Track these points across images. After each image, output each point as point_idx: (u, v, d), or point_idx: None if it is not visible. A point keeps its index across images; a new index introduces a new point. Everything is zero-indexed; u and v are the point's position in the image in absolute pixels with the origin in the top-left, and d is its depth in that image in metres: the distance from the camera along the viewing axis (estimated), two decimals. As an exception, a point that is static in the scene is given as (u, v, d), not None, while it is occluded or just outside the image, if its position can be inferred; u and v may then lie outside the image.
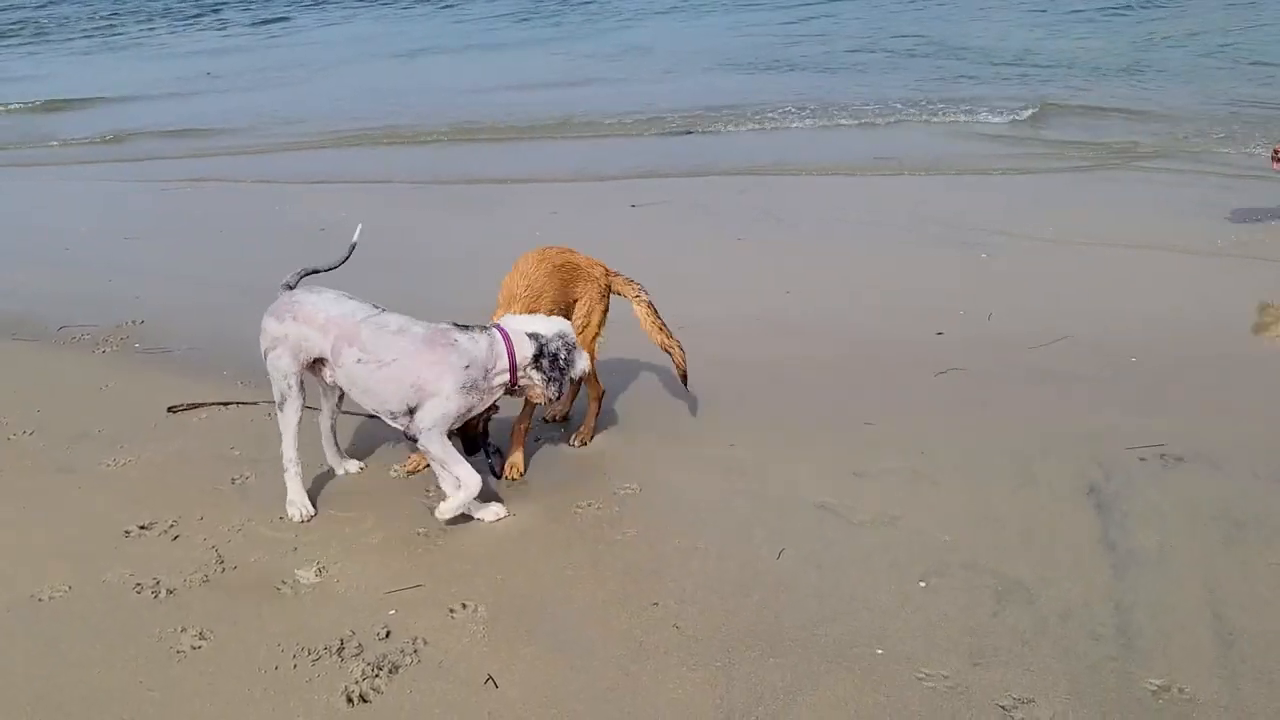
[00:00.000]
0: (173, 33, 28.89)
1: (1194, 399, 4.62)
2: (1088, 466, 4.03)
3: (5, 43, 29.75)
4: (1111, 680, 2.90)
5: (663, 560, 3.58)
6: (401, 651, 3.13)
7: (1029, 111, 11.71)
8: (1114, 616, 3.16)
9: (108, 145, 14.03)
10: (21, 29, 32.45)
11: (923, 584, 3.36)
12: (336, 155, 12.25)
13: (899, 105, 12.57)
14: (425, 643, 3.17)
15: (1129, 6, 18.65)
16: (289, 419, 3.95)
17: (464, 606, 3.34)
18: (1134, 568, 3.39)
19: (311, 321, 3.85)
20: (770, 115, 12.36)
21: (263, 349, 3.94)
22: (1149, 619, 3.14)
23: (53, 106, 17.04)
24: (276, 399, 3.96)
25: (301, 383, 3.95)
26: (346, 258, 4.20)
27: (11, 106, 17.33)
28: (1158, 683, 2.88)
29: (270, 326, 3.91)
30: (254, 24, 29.56)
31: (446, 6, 29.44)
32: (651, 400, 4.90)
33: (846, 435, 4.47)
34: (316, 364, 3.95)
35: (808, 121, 12.15)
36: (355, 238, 4.21)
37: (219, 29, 29.04)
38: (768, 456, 4.30)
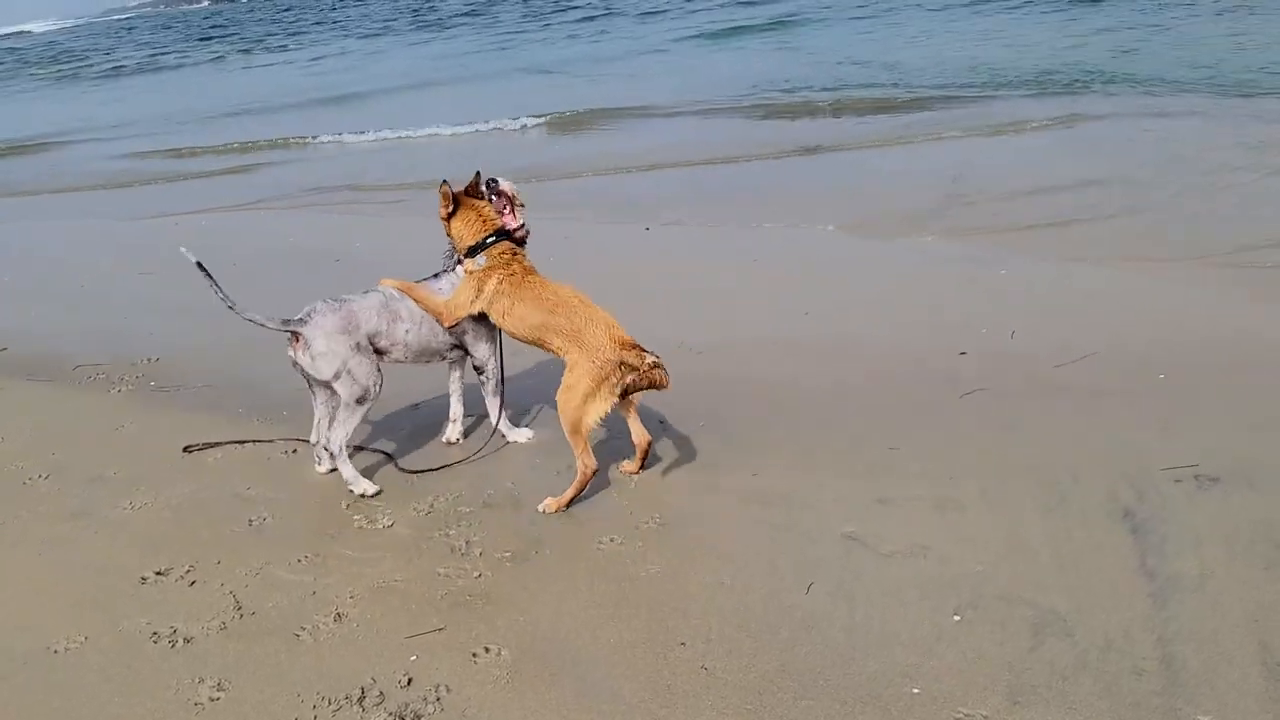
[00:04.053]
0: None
1: (1227, 416, 4.51)
2: (1120, 489, 3.93)
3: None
4: (1157, 717, 2.79)
5: (688, 597, 3.50)
6: (424, 700, 3.05)
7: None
8: (1156, 649, 3.05)
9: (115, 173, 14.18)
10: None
11: (956, 617, 3.27)
12: (355, 170, 12.32)
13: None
14: (448, 690, 3.10)
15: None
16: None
17: (486, 650, 3.27)
18: (1175, 596, 3.29)
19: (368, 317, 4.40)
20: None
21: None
22: (1193, 651, 3.03)
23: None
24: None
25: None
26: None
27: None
28: (1206, 719, 2.77)
29: (338, 343, 4.33)
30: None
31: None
32: (672, 428, 4.82)
33: (871, 461, 4.38)
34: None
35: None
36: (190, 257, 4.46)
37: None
38: (791, 485, 4.22)
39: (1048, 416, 4.67)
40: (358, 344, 4.34)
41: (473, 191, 4.52)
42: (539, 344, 4.36)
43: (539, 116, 15.31)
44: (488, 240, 4.41)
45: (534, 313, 4.28)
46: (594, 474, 4.17)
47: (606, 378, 4.04)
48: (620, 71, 20.90)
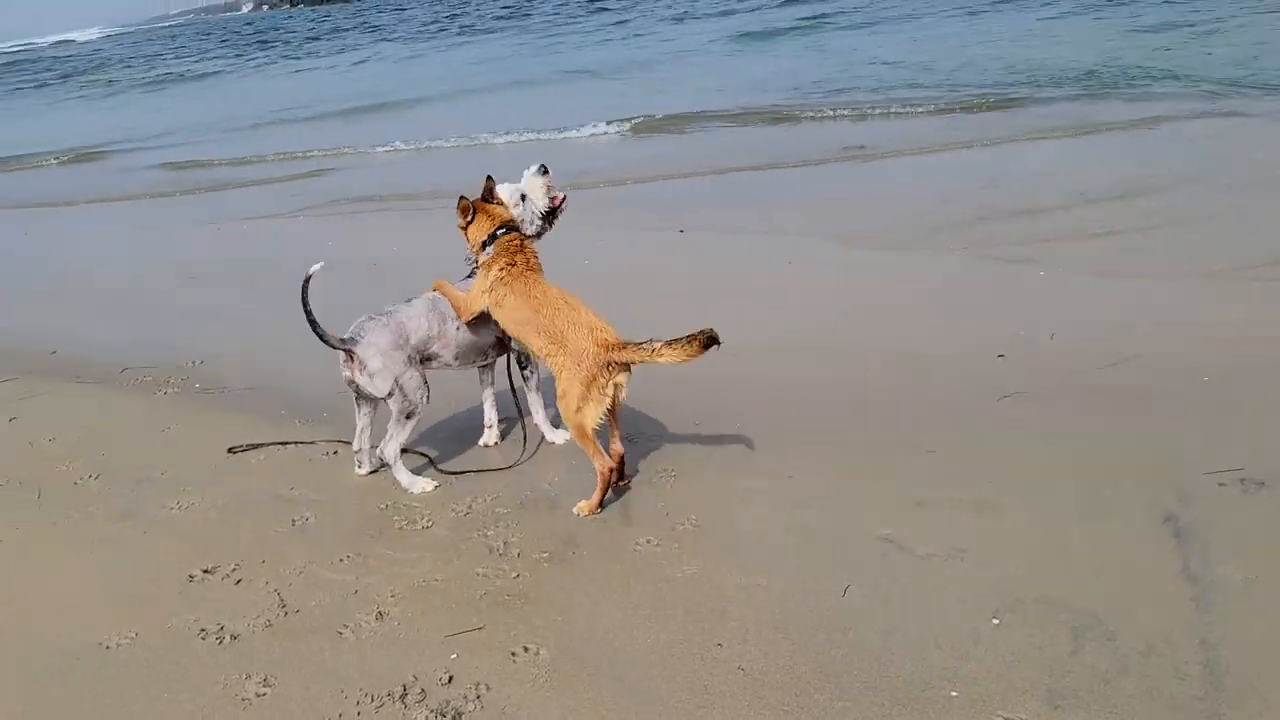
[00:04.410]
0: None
1: (1272, 420, 4.43)
2: (1163, 493, 3.89)
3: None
4: (1200, 723, 2.77)
5: (725, 599, 3.51)
6: (464, 698, 3.10)
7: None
8: (1199, 653, 3.02)
9: (162, 181, 14.44)
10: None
11: (995, 620, 3.26)
12: (384, 181, 12.47)
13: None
14: (488, 688, 3.14)
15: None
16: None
17: (525, 650, 3.31)
18: (1218, 601, 3.25)
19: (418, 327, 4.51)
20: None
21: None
22: (1237, 656, 3.00)
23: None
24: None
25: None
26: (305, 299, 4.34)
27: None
28: (1250, 725, 2.75)
29: (392, 358, 4.42)
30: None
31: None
32: (707, 430, 4.84)
33: (907, 464, 4.37)
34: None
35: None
36: (313, 270, 4.44)
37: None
38: (827, 487, 4.22)
39: (1088, 419, 4.63)
40: (409, 357, 4.44)
41: (487, 198, 4.59)
42: (523, 341, 4.37)
43: (623, 121, 15.13)
44: (497, 232, 4.48)
45: (520, 307, 4.29)
46: (613, 471, 4.20)
47: (594, 379, 4.04)
48: (662, 75, 21.00)
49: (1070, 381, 5.04)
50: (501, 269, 4.38)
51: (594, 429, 4.11)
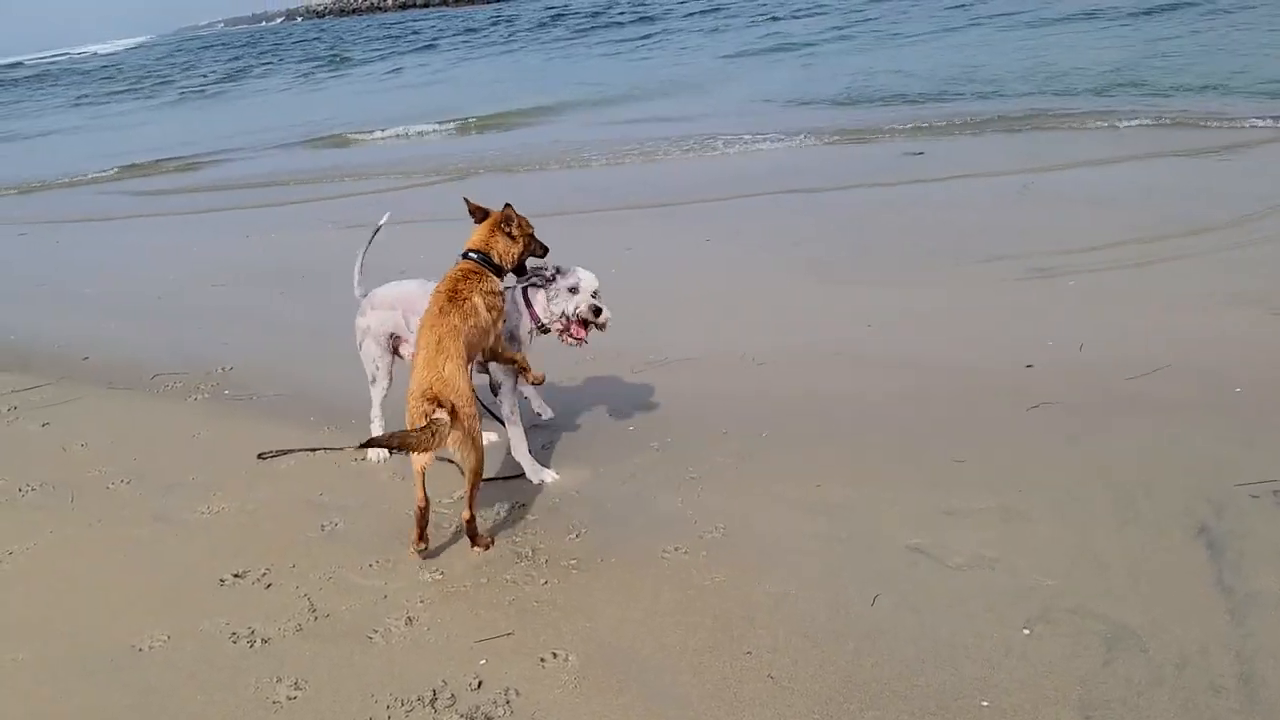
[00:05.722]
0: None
1: (1306, 430, 4.40)
2: (1196, 504, 3.86)
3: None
4: (1237, 735, 2.74)
5: (753, 607, 3.51)
6: (494, 703, 3.11)
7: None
8: (1235, 666, 2.99)
9: (192, 196, 14.56)
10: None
11: (1026, 631, 3.24)
12: (415, 195, 12.55)
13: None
14: (517, 693, 3.15)
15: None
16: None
17: (554, 656, 3.31)
18: (1253, 613, 3.22)
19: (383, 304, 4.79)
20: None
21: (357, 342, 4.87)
22: (1273, 669, 2.97)
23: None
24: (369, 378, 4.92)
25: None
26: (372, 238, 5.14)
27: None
28: (1288, 738, 2.71)
29: (358, 321, 4.85)
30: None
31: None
32: (735, 439, 4.84)
33: (936, 473, 4.35)
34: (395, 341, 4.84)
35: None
36: (382, 221, 5.23)
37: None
38: (856, 496, 4.21)
39: (1119, 429, 4.59)
40: (369, 325, 4.82)
41: (504, 225, 4.36)
42: None
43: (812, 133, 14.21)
44: (460, 255, 4.31)
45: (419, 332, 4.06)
46: (420, 509, 3.95)
47: (414, 422, 3.77)
48: (699, 88, 20.92)
49: (1100, 392, 5.01)
50: (442, 295, 4.12)
51: (415, 471, 3.90)
